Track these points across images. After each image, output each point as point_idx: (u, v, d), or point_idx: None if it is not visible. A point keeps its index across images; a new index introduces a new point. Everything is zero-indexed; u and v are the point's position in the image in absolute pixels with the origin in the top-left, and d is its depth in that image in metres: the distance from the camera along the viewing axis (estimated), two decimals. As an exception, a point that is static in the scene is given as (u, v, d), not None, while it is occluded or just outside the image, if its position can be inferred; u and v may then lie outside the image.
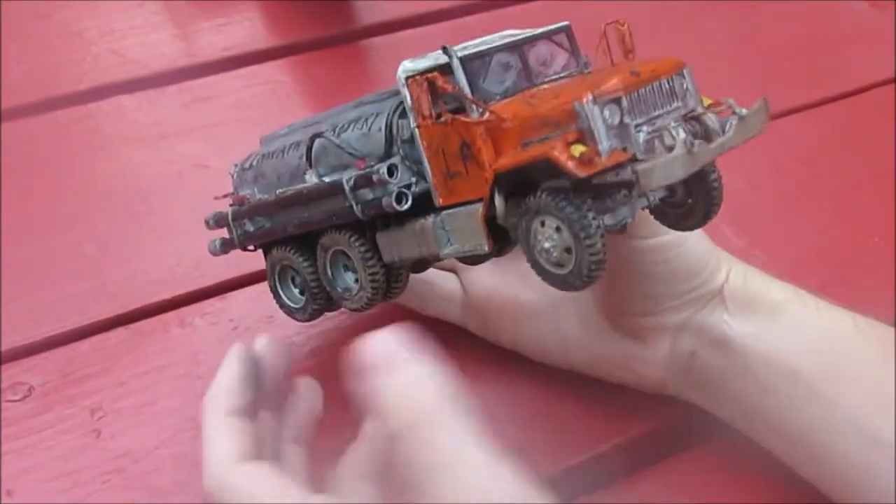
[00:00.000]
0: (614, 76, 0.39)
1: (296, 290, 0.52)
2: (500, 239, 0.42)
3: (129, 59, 0.82)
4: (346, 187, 0.45)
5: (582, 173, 0.37)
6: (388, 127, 0.44)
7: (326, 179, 0.47)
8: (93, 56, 0.82)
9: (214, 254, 0.54)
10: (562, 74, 0.43)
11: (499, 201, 0.41)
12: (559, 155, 0.38)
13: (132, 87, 0.79)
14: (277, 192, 0.49)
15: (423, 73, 0.41)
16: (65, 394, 0.59)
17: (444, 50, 0.42)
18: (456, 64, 0.41)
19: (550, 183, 0.40)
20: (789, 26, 0.91)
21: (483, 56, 0.42)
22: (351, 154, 0.45)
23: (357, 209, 0.45)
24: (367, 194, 0.45)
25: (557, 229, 0.39)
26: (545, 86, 0.42)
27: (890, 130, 0.79)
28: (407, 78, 0.42)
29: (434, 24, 0.89)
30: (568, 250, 0.39)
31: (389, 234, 0.46)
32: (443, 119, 0.41)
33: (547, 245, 0.40)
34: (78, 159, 0.74)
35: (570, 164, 0.37)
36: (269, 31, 0.86)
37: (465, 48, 0.42)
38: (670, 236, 0.50)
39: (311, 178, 0.48)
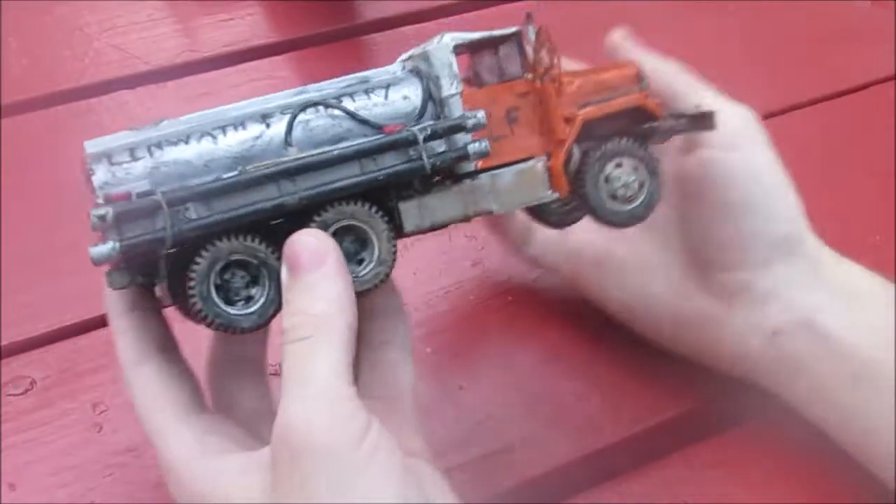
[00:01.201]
0: (612, 65, 0.51)
1: (249, 291, 0.44)
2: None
3: (130, 54, 0.82)
4: (420, 137, 0.45)
5: (664, 117, 0.50)
6: (427, 91, 0.46)
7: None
8: (94, 51, 0.82)
9: (105, 261, 0.43)
10: (519, 76, 0.48)
11: (576, 150, 0.49)
12: (650, 102, 0.50)
13: (134, 83, 0.79)
14: (241, 170, 0.44)
15: (475, 42, 0.47)
16: (66, 388, 0.59)
17: (528, 17, 0.49)
18: (530, 32, 0.48)
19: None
20: (790, 24, 0.91)
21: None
22: (363, 122, 0.45)
23: (427, 162, 0.45)
24: (438, 147, 0.46)
25: (635, 168, 0.49)
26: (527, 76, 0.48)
27: (890, 128, 0.79)
28: (536, 33, 0.48)
29: (436, 19, 0.89)
30: (641, 185, 0.49)
31: (422, 200, 0.46)
32: (529, 76, 0.48)
33: (624, 181, 0.49)
34: (80, 154, 0.72)
35: (656, 109, 0.50)
36: (270, 26, 0.86)
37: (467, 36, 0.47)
38: (757, 155, 0.52)
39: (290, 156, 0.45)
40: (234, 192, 0.43)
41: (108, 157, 0.43)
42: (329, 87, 0.47)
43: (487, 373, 0.62)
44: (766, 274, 0.53)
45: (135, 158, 0.43)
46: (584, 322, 0.63)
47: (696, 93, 0.55)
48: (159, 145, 0.44)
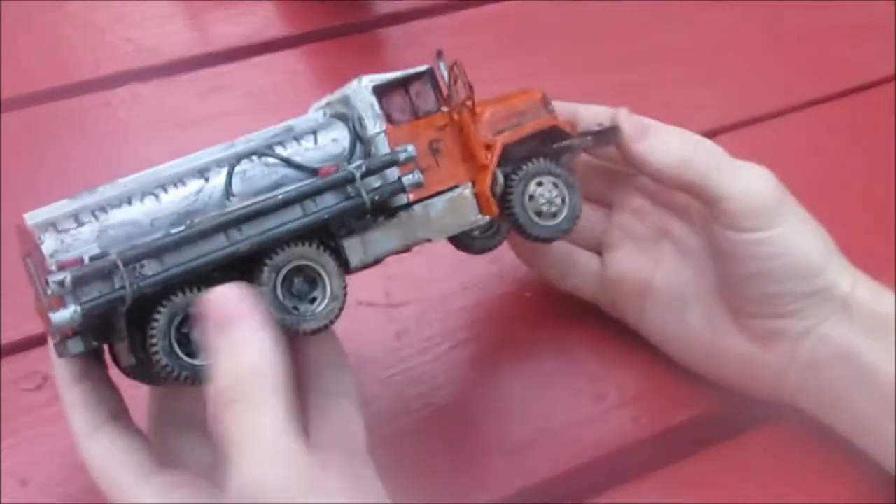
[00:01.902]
0: (519, 92, 0.54)
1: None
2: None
3: (143, 47, 0.81)
4: (357, 175, 0.46)
5: (574, 135, 0.53)
6: (354, 132, 0.48)
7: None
8: (107, 44, 0.81)
9: (68, 326, 0.43)
10: (436, 109, 0.50)
11: (499, 174, 0.51)
12: (561, 122, 0.53)
13: (147, 76, 0.78)
14: (190, 223, 0.45)
15: (388, 83, 0.49)
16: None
17: (439, 53, 0.51)
18: (442, 68, 0.51)
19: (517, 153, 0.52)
20: (797, 20, 0.90)
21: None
22: (298, 167, 0.47)
23: (366, 197, 0.46)
24: (374, 182, 0.47)
25: (555, 184, 0.52)
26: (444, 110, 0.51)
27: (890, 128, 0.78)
28: (450, 68, 0.50)
29: (449, 13, 0.88)
30: (563, 200, 0.52)
31: (364, 236, 0.48)
32: (445, 109, 0.50)
33: (547, 197, 0.52)
34: (94, 147, 0.73)
35: (569, 129, 0.53)
36: (284, 19, 0.85)
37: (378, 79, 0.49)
38: (780, 229, 0.52)
39: (233, 206, 0.46)
40: (186, 246, 0.44)
41: (53, 225, 0.44)
42: (257, 138, 0.48)
43: (503, 371, 0.62)
44: (800, 319, 0.53)
45: (80, 224, 0.44)
46: (602, 321, 0.63)
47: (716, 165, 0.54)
48: (103, 209, 0.44)
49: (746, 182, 0.53)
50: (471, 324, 0.64)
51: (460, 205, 0.50)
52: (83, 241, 0.44)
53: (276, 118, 0.52)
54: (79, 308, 0.42)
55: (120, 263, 0.43)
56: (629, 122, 0.54)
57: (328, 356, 0.49)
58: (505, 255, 0.64)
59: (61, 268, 0.43)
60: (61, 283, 0.42)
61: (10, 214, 0.46)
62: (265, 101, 0.77)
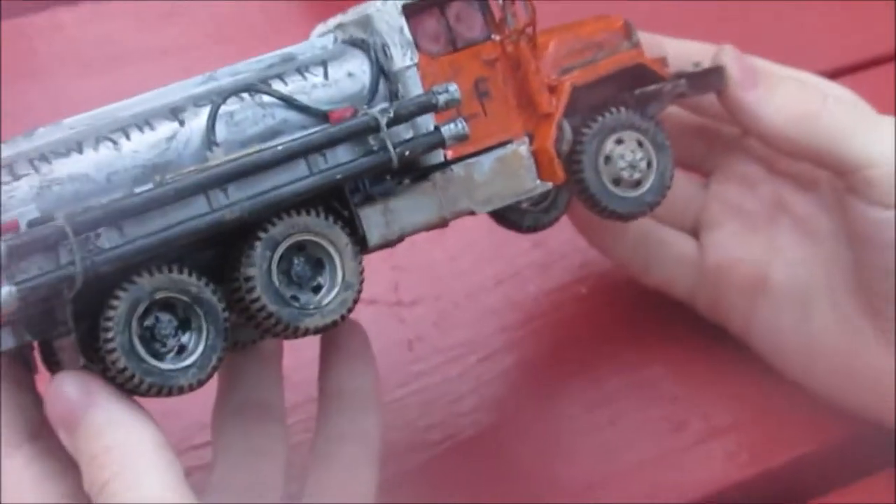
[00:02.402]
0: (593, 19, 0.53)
1: (179, 340, 0.44)
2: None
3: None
4: (382, 122, 0.45)
5: (666, 77, 0.52)
6: (377, 64, 0.47)
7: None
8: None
9: (3, 312, 0.42)
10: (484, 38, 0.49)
11: (567, 126, 0.49)
12: (649, 60, 0.52)
13: (73, -3, 0.77)
14: (157, 179, 0.43)
15: (421, 1, 0.47)
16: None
17: None
18: None
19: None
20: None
21: None
22: (302, 109, 0.46)
23: (394, 152, 0.45)
24: (403, 132, 0.46)
25: (639, 143, 0.51)
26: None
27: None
28: None
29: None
30: (649, 164, 0.51)
31: (387, 204, 0.47)
32: (497, 38, 0.48)
33: (629, 160, 0.50)
34: (6, 89, 0.70)
35: (659, 69, 0.52)
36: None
37: None
38: None
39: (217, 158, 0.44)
40: (154, 211, 0.42)
41: None
42: (246, 68, 0.47)
43: (551, 393, 0.61)
44: None
45: (15, 177, 0.42)
46: (683, 326, 0.62)
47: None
48: (45, 158, 0.43)
49: (890, 142, 0.52)
50: (506, 328, 0.63)
51: (513, 166, 0.48)
52: (19, 200, 0.42)
53: (243, 58, 0.50)
54: (14, 289, 0.40)
55: (69, 231, 0.41)
56: (737, 63, 0.53)
57: (353, 386, 0.49)
58: (551, 237, 0.62)
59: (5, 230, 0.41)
60: None
61: None
62: (232, 32, 0.75)
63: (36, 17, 0.75)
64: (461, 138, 0.46)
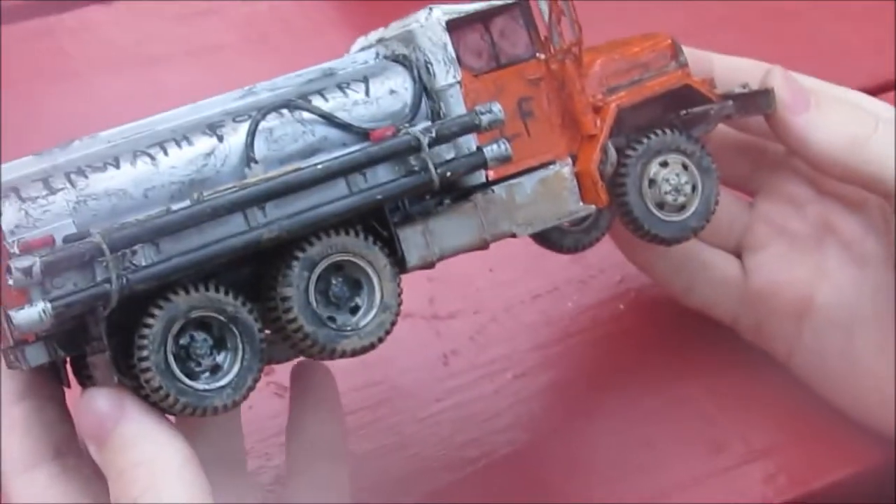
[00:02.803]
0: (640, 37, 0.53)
1: (214, 359, 0.43)
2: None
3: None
4: (424, 142, 0.45)
5: (714, 99, 0.52)
6: (419, 81, 0.47)
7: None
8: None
9: (35, 329, 0.41)
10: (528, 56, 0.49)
11: (611, 148, 0.49)
12: (696, 81, 0.51)
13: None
14: (195, 196, 0.43)
15: (466, 17, 0.47)
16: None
17: None
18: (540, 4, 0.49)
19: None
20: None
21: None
22: (343, 127, 0.45)
23: (435, 173, 0.45)
24: (445, 153, 0.46)
25: (684, 166, 0.51)
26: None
27: None
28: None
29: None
30: (694, 187, 0.51)
31: (427, 224, 0.47)
32: (541, 56, 0.48)
33: (674, 184, 0.50)
34: (34, 91, 0.71)
35: (707, 91, 0.52)
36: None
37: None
38: None
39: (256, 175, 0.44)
40: (191, 228, 0.42)
41: (15, 191, 0.42)
42: (286, 83, 0.46)
43: (587, 410, 0.61)
44: None
45: (52, 191, 0.42)
46: (722, 346, 0.61)
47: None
48: (81, 172, 0.43)
49: None
50: (543, 345, 0.63)
51: (556, 188, 0.48)
52: (54, 215, 0.42)
53: (281, 58, 0.51)
54: (49, 306, 0.40)
55: (105, 248, 0.40)
56: (786, 85, 0.53)
57: (324, 437, 0.50)
58: (590, 252, 0.60)
59: (26, 250, 0.41)
60: (27, 272, 0.40)
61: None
62: (268, 32, 0.75)
63: (66, 15, 0.75)
64: (504, 160, 0.46)
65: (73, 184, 0.42)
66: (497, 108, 0.46)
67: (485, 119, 0.46)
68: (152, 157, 0.43)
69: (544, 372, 0.62)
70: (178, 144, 0.44)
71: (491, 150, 0.46)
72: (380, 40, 0.49)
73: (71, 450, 0.46)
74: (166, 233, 0.42)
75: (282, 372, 0.54)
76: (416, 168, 0.45)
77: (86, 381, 0.45)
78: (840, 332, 0.57)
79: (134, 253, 0.41)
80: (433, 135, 0.45)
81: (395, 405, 0.59)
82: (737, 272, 0.59)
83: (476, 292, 0.64)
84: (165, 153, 0.43)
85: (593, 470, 0.59)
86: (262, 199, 0.43)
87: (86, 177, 0.42)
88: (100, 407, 0.42)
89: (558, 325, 0.63)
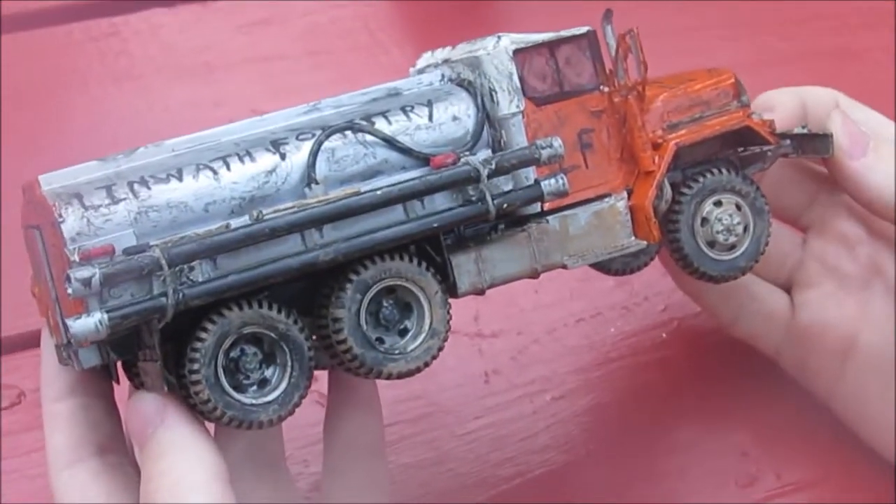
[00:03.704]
0: (703, 72, 0.53)
1: (264, 373, 0.44)
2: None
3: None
4: (483, 173, 0.45)
5: (774, 142, 0.52)
6: (483, 109, 0.47)
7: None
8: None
9: (91, 339, 0.41)
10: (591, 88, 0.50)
11: (667, 185, 0.50)
12: (757, 123, 0.52)
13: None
14: (255, 214, 0.43)
15: (533, 47, 0.48)
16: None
17: (608, 14, 0.50)
18: (608, 34, 0.50)
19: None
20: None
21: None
22: (405, 151, 0.46)
23: (492, 205, 0.46)
24: (503, 184, 0.47)
25: (738, 207, 0.51)
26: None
27: None
28: (622, 36, 0.49)
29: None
30: (746, 228, 0.52)
31: (480, 252, 0.47)
32: (605, 89, 0.49)
33: (727, 224, 0.51)
34: (96, 90, 0.73)
35: (766, 132, 0.52)
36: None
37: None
38: None
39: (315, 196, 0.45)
40: (249, 246, 0.43)
41: (78, 198, 0.42)
42: (350, 101, 0.47)
43: (622, 436, 0.62)
44: None
45: (114, 201, 0.42)
46: (762, 379, 0.62)
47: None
48: (144, 183, 0.43)
49: None
50: (583, 368, 0.63)
51: (610, 221, 0.49)
52: (115, 225, 0.42)
53: (340, 69, 0.52)
54: (106, 317, 0.41)
55: (164, 263, 0.41)
56: (845, 129, 0.53)
57: (364, 440, 0.50)
58: (636, 278, 0.62)
59: (86, 258, 0.41)
60: (86, 283, 0.40)
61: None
62: (327, 43, 0.75)
63: (132, 16, 0.76)
64: (561, 195, 0.47)
65: (135, 194, 0.43)
66: (557, 143, 0.46)
67: (544, 153, 0.46)
68: (215, 172, 0.44)
69: (583, 395, 0.62)
70: (241, 160, 0.44)
71: (548, 185, 0.46)
72: (446, 61, 0.49)
73: (115, 447, 0.47)
74: (225, 250, 0.42)
75: (323, 380, 0.54)
76: (474, 198, 0.46)
77: (136, 378, 0.46)
78: (882, 374, 0.56)
79: (192, 269, 0.42)
80: (493, 167, 0.46)
81: (435, 420, 0.59)
82: (785, 306, 0.59)
83: (520, 313, 0.64)
84: (228, 168, 0.44)
85: (625, 495, 0.59)
86: (321, 221, 0.44)
87: (148, 188, 0.43)
88: (144, 410, 0.43)
89: (600, 350, 0.64)
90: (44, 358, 0.47)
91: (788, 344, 0.60)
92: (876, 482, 0.59)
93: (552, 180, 0.47)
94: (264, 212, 0.43)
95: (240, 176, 0.44)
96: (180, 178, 0.44)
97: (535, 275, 0.48)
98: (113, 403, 0.48)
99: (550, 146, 0.46)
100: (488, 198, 0.46)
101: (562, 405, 0.62)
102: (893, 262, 0.57)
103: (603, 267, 0.54)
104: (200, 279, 0.42)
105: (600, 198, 0.49)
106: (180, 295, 0.42)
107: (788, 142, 0.53)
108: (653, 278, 0.63)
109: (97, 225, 0.42)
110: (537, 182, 0.47)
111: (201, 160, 0.44)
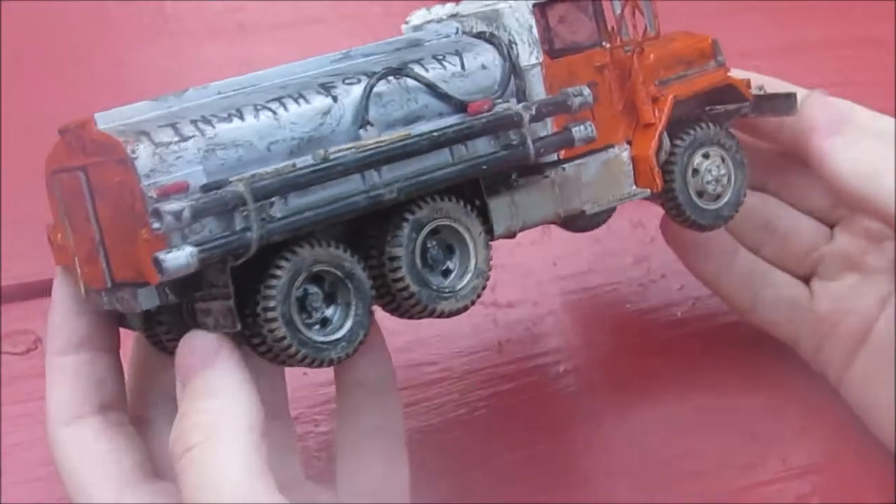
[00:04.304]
0: (682, 34, 0.55)
1: (324, 313, 0.45)
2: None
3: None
4: (525, 118, 0.47)
5: (750, 98, 0.54)
6: (509, 60, 0.49)
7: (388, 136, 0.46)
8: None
9: (181, 273, 0.41)
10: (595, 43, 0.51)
11: (666, 138, 0.51)
12: (738, 81, 0.54)
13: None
14: (321, 154, 0.44)
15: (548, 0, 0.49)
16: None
17: None
18: None
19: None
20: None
21: None
22: (444, 97, 0.47)
23: (532, 148, 0.47)
24: (539, 130, 0.48)
25: (722, 159, 0.53)
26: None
27: None
28: None
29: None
30: (729, 179, 0.53)
31: (514, 197, 0.48)
32: (607, 45, 0.50)
33: (715, 174, 0.53)
34: (129, 50, 0.73)
35: (745, 89, 0.54)
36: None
37: None
38: None
39: (370, 137, 0.45)
40: (317, 185, 0.43)
41: (146, 135, 0.42)
42: (378, 50, 0.48)
43: (628, 413, 0.62)
44: None
45: (183, 138, 0.42)
46: (775, 363, 0.62)
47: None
48: (208, 121, 0.43)
49: None
50: (596, 344, 0.64)
51: (615, 171, 0.51)
52: (186, 162, 0.42)
53: (375, 35, 0.51)
54: (196, 250, 0.40)
55: (249, 197, 0.41)
56: (823, 107, 0.54)
57: (372, 378, 0.50)
58: (654, 257, 0.64)
59: (162, 195, 0.41)
60: (177, 216, 0.40)
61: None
62: (363, 9, 0.75)
63: None
64: (589, 141, 0.48)
65: (201, 132, 0.43)
66: (587, 91, 0.48)
67: (576, 101, 0.48)
68: (274, 112, 0.44)
69: (595, 370, 0.63)
70: (296, 101, 0.44)
71: (578, 131, 0.48)
72: (453, 16, 0.50)
73: (118, 406, 0.48)
74: (301, 187, 0.43)
75: None
76: (515, 142, 0.47)
77: (161, 335, 0.47)
78: (890, 363, 0.57)
79: (271, 205, 0.42)
80: (533, 112, 0.47)
81: (445, 387, 0.60)
82: (804, 296, 0.60)
83: (537, 284, 0.64)
84: (286, 109, 0.44)
85: (626, 469, 0.60)
86: (383, 161, 0.44)
87: (213, 126, 0.43)
88: (199, 347, 0.43)
89: (612, 326, 0.64)
90: (53, 308, 0.47)
91: (806, 331, 0.60)
92: (881, 472, 0.59)
93: (581, 127, 0.48)
94: (330, 152, 0.44)
95: (298, 116, 0.44)
96: (242, 118, 0.44)
97: (558, 219, 0.50)
98: (118, 361, 0.48)
99: (581, 94, 0.48)
100: (529, 142, 0.47)
101: (573, 377, 0.62)
102: None
103: (568, 224, 0.55)
104: (278, 216, 0.43)
105: (605, 148, 0.50)
106: (264, 230, 0.42)
107: (747, 103, 0.55)
108: (671, 257, 0.63)
109: (169, 161, 0.42)
110: (568, 129, 0.48)
111: (258, 101, 0.44)
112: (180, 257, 0.40)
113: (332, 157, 0.43)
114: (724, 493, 0.59)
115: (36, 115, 0.65)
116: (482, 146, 0.47)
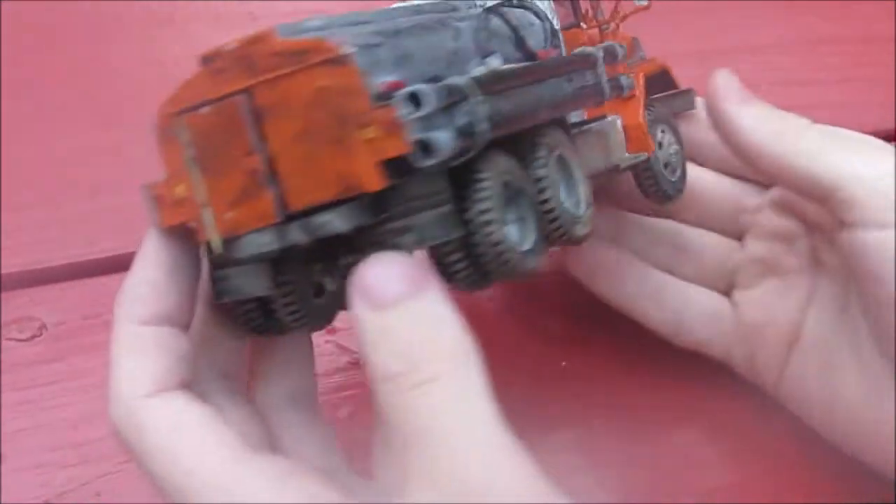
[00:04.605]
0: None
1: (520, 221, 0.43)
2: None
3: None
4: (600, 59, 0.49)
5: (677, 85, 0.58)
6: (548, 21, 0.51)
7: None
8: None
9: (446, 153, 0.38)
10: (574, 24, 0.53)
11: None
12: (669, 67, 0.58)
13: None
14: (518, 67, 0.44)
15: None
16: (85, 340, 0.60)
17: None
18: None
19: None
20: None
21: None
22: (522, 41, 0.49)
23: (606, 87, 0.49)
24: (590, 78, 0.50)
25: (674, 136, 0.56)
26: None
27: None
28: None
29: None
30: (679, 154, 0.56)
31: (576, 143, 0.49)
32: (584, 26, 0.53)
33: (675, 149, 0.55)
34: (139, 40, 0.74)
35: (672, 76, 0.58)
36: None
37: None
38: None
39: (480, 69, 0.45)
40: (525, 86, 0.43)
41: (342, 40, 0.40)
42: (434, 9, 0.47)
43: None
44: None
45: (376, 44, 0.40)
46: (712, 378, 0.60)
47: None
48: (391, 33, 0.41)
49: (868, 158, 0.50)
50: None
51: (620, 137, 0.52)
52: (383, 68, 0.40)
53: None
54: (454, 135, 0.38)
55: (475, 90, 0.39)
56: (725, 80, 0.53)
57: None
58: None
59: (389, 90, 0.38)
60: (426, 99, 0.38)
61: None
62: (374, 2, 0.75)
63: None
64: (632, 89, 0.51)
65: (387, 40, 0.40)
66: (622, 46, 0.52)
67: (620, 52, 0.51)
68: (433, 32, 0.43)
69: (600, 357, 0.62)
70: (442, 27, 0.44)
71: (626, 80, 0.51)
72: None
73: (195, 382, 0.44)
74: (514, 87, 0.42)
75: (343, 332, 0.57)
76: (591, 82, 0.48)
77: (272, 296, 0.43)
78: (821, 357, 0.56)
79: (487, 103, 0.40)
80: (602, 55, 0.49)
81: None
82: (726, 308, 0.59)
83: None
84: (445, 28, 0.44)
85: (590, 465, 0.59)
86: (538, 80, 0.44)
87: (398, 36, 0.41)
88: (400, 272, 0.39)
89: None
90: (137, 276, 0.43)
91: (736, 342, 0.59)
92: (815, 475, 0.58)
93: (624, 78, 0.51)
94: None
95: (445, 40, 0.44)
96: (412, 33, 0.42)
97: (606, 173, 0.52)
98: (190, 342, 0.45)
99: (623, 47, 0.52)
100: (604, 81, 0.49)
101: (574, 367, 0.62)
102: (832, 252, 0.56)
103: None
104: (498, 111, 0.40)
105: (604, 117, 0.52)
106: (492, 122, 0.40)
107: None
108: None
109: (373, 62, 0.39)
110: (618, 77, 0.51)
111: (416, 22, 0.44)
112: (443, 137, 0.38)
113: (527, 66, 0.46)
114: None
115: (37, 102, 0.67)
116: (578, 82, 0.47)
